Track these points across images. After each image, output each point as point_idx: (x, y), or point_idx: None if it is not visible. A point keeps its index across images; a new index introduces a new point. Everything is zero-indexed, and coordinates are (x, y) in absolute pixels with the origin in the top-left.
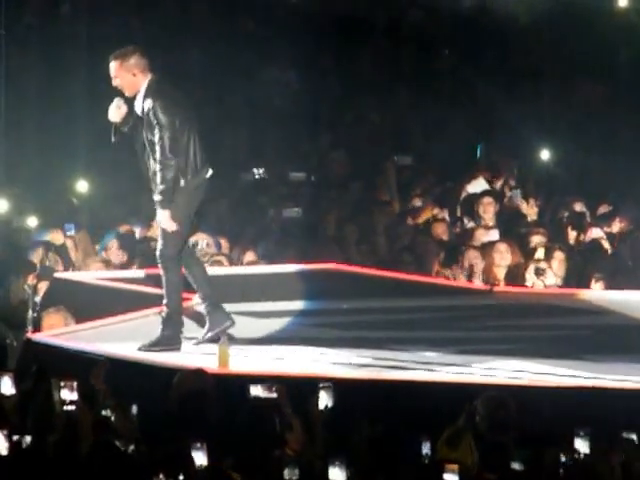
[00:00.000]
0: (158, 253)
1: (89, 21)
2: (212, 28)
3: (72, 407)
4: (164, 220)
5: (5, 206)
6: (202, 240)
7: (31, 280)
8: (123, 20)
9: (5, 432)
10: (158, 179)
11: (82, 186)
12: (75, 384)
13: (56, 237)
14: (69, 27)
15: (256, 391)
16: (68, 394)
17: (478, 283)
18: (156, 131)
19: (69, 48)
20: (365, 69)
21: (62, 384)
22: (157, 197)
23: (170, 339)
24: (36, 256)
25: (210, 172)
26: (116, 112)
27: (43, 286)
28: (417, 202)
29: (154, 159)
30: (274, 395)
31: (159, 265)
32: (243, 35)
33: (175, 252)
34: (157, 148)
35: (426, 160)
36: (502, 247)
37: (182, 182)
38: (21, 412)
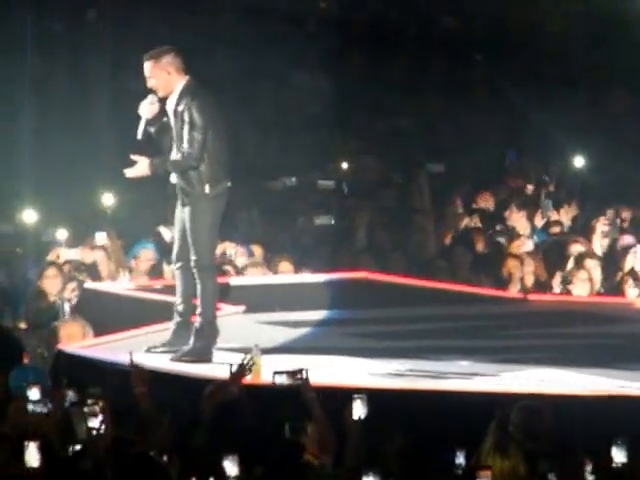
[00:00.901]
0: (193, 264)
1: (115, 27)
2: (241, 32)
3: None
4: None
5: (34, 217)
6: (230, 249)
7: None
8: (150, 26)
9: (37, 444)
10: (175, 162)
11: (108, 198)
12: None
13: (86, 256)
14: (95, 34)
15: (281, 379)
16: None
17: (514, 291)
18: (187, 129)
19: (95, 55)
20: (396, 76)
21: (86, 410)
22: (168, 164)
23: (202, 350)
24: (64, 272)
25: (229, 183)
26: (148, 108)
27: (73, 297)
28: (452, 210)
29: (178, 150)
30: (298, 382)
31: (195, 275)
32: (273, 41)
33: (210, 260)
34: (185, 145)
35: (458, 167)
36: (531, 256)
37: (207, 188)
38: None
